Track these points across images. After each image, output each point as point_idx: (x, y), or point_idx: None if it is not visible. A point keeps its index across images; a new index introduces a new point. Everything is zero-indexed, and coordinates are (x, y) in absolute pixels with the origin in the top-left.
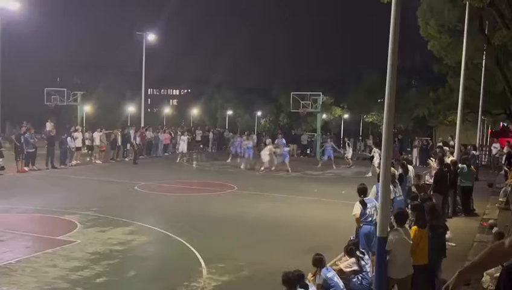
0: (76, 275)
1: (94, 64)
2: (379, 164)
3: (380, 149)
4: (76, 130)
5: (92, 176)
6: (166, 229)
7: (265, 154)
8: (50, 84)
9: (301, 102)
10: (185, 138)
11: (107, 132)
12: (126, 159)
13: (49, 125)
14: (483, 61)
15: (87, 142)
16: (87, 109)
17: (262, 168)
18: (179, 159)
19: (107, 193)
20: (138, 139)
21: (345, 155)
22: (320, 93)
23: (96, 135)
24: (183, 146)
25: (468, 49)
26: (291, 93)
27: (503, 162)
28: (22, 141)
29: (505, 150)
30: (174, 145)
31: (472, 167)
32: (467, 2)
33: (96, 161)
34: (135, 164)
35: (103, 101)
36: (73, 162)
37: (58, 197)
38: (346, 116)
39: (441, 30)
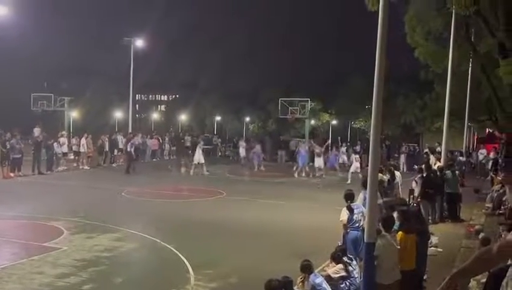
0: (62, 282)
1: (81, 70)
2: (357, 168)
3: (358, 155)
4: (62, 136)
5: (79, 182)
6: (154, 236)
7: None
8: (37, 89)
9: (289, 108)
10: (201, 146)
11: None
12: (114, 164)
13: (37, 131)
14: (470, 68)
15: (74, 148)
16: (74, 114)
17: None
18: (205, 170)
19: (94, 199)
20: (129, 146)
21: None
22: (308, 99)
23: (84, 141)
24: (199, 156)
25: (455, 57)
26: (280, 99)
27: (489, 167)
28: (8, 147)
29: (491, 156)
30: (162, 151)
31: (457, 172)
32: (453, 10)
33: (84, 167)
34: (128, 173)
35: (91, 107)
36: (60, 168)
37: (45, 203)
38: (334, 122)
39: (427, 37)
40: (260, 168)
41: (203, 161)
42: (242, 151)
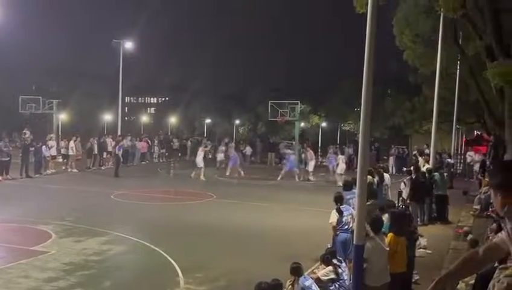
0: (50, 286)
1: (70, 72)
2: (342, 169)
3: (348, 157)
4: (51, 139)
5: (68, 185)
6: (143, 239)
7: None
8: (26, 92)
9: (279, 110)
10: (202, 149)
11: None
12: (102, 167)
13: (25, 134)
14: (458, 71)
15: (62, 151)
16: (63, 117)
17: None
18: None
19: (83, 202)
20: (117, 148)
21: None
22: (298, 101)
23: (72, 144)
24: (200, 160)
25: (443, 59)
26: (269, 101)
27: (477, 170)
28: None
29: (477, 158)
30: (152, 154)
31: (445, 174)
32: (441, 13)
33: (72, 170)
34: (117, 176)
35: (79, 109)
36: (49, 171)
37: (33, 206)
38: (323, 124)
39: (415, 40)
40: (229, 172)
41: (201, 166)
42: (220, 156)
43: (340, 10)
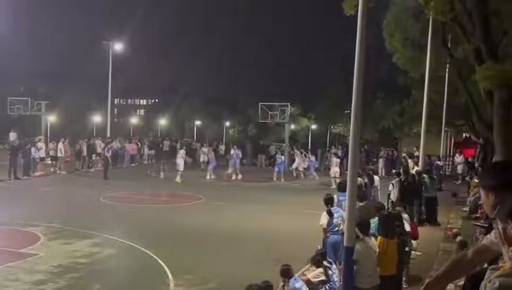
0: (38, 289)
1: (59, 73)
2: (336, 172)
3: (338, 158)
4: (40, 140)
5: (57, 187)
6: (133, 241)
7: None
8: (14, 93)
9: (269, 112)
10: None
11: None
12: (92, 169)
13: (13, 136)
14: (446, 74)
15: (51, 153)
16: (51, 118)
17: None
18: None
19: (72, 205)
20: (106, 150)
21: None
22: (288, 104)
23: (61, 145)
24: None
25: (432, 62)
26: (260, 103)
27: (463, 172)
28: None
29: (460, 159)
30: (142, 156)
31: (435, 176)
32: (430, 16)
33: (61, 172)
34: (106, 178)
35: (68, 111)
36: (37, 173)
37: (21, 209)
38: (313, 126)
39: (405, 43)
40: (211, 176)
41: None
42: (203, 157)
43: (333, 13)
